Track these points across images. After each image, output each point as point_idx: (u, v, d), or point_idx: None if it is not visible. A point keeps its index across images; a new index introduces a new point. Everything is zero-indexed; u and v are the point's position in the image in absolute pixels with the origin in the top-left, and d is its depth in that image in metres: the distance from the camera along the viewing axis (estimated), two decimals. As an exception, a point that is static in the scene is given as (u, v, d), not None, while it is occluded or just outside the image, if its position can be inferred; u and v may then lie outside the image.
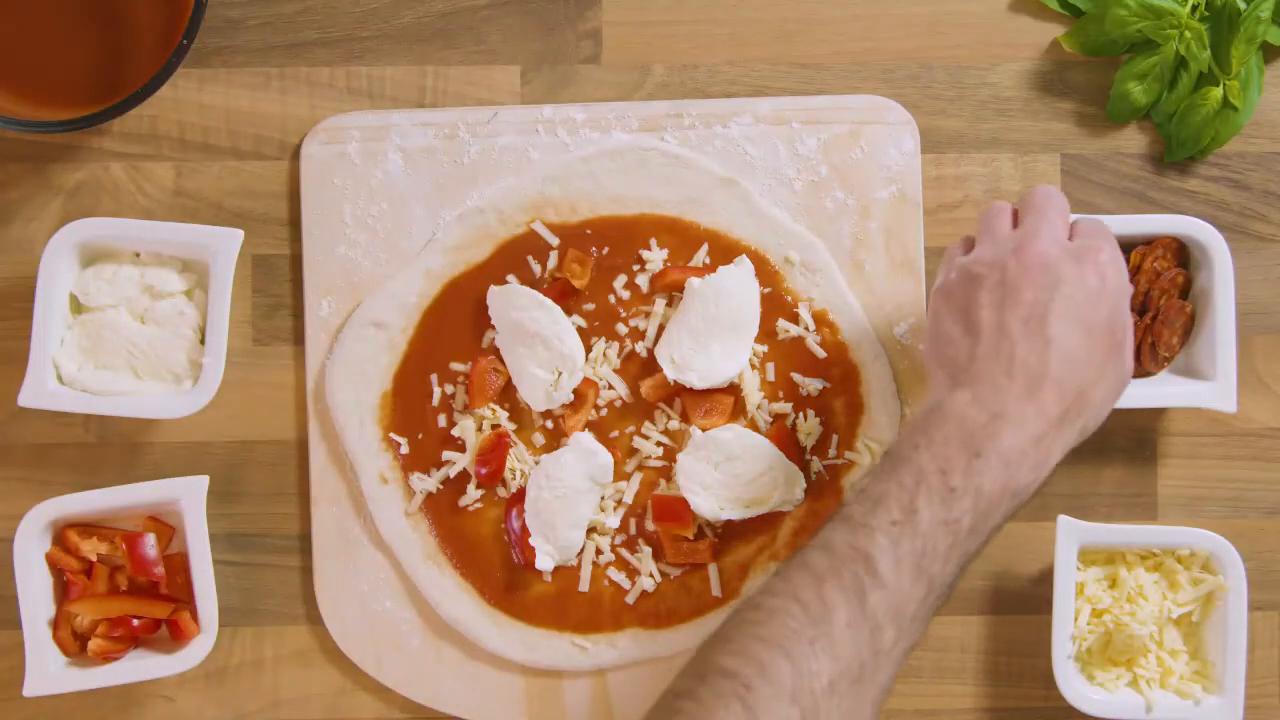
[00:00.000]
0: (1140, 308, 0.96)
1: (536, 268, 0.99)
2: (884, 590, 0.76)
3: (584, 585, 0.98)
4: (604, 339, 0.98)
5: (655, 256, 0.98)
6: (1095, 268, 0.82)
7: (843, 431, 0.98)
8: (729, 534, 0.98)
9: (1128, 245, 0.97)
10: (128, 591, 0.97)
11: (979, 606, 1.01)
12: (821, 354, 0.98)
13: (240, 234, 0.95)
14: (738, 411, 0.98)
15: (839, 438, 0.98)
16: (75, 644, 0.96)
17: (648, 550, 0.98)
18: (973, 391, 0.80)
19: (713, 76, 1.01)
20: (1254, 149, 1.01)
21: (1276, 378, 1.01)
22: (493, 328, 0.98)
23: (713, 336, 0.96)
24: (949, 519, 0.77)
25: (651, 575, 0.98)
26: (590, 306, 0.99)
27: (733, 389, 0.98)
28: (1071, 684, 0.95)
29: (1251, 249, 1.01)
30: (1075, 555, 0.95)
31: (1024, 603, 1.00)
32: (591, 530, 0.98)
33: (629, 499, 0.98)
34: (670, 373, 0.96)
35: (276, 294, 1.00)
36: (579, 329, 0.98)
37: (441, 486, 0.98)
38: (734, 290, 0.96)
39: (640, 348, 0.99)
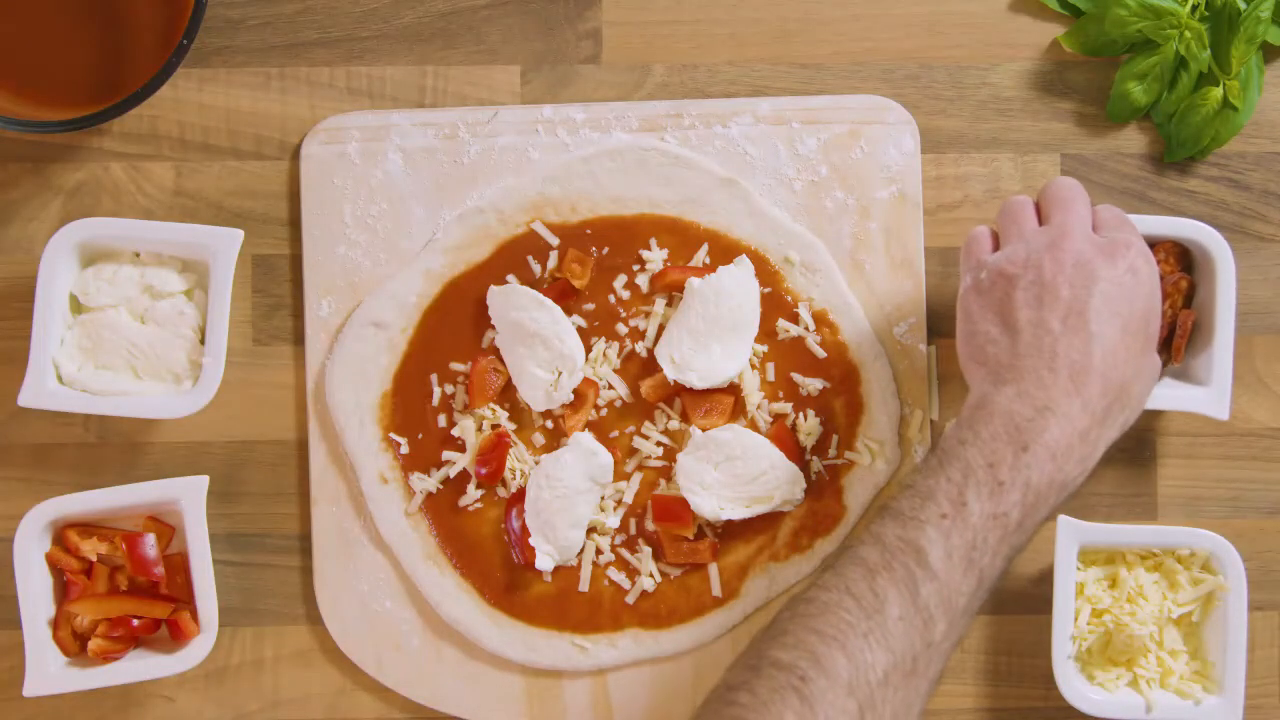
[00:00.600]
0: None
1: (536, 268, 0.99)
2: (936, 582, 0.76)
3: (584, 585, 0.98)
4: (604, 339, 0.98)
5: (655, 256, 0.98)
6: (1128, 262, 0.83)
7: (843, 431, 0.98)
8: (729, 534, 0.98)
9: None
10: (128, 591, 0.97)
11: (979, 606, 1.00)
12: (821, 354, 0.98)
13: (240, 234, 0.95)
14: (738, 411, 0.98)
15: (839, 438, 0.98)
16: (75, 644, 0.96)
17: (648, 550, 0.98)
18: (1017, 387, 0.81)
19: (713, 76, 1.01)
20: (1254, 149, 1.01)
21: (1276, 378, 1.01)
22: (493, 328, 0.98)
23: (713, 336, 0.96)
24: (998, 512, 0.78)
25: (651, 575, 0.98)
26: (590, 306, 0.99)
27: (733, 389, 0.98)
28: (1071, 684, 0.95)
29: (1251, 249, 1.01)
30: (1075, 555, 0.95)
31: (1024, 603, 1.00)
32: (591, 530, 0.98)
33: (629, 499, 0.98)
34: (670, 373, 0.96)
35: (276, 294, 1.00)
36: (579, 329, 0.98)
37: (441, 486, 0.98)
38: (734, 290, 0.96)
39: (640, 348, 0.99)
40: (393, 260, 0.99)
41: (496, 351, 0.98)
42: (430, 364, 0.98)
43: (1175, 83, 0.99)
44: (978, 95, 1.01)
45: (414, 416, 0.98)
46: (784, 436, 0.98)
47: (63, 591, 0.96)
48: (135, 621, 0.95)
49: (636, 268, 0.99)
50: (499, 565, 0.98)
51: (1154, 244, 0.97)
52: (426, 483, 0.98)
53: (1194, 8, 0.98)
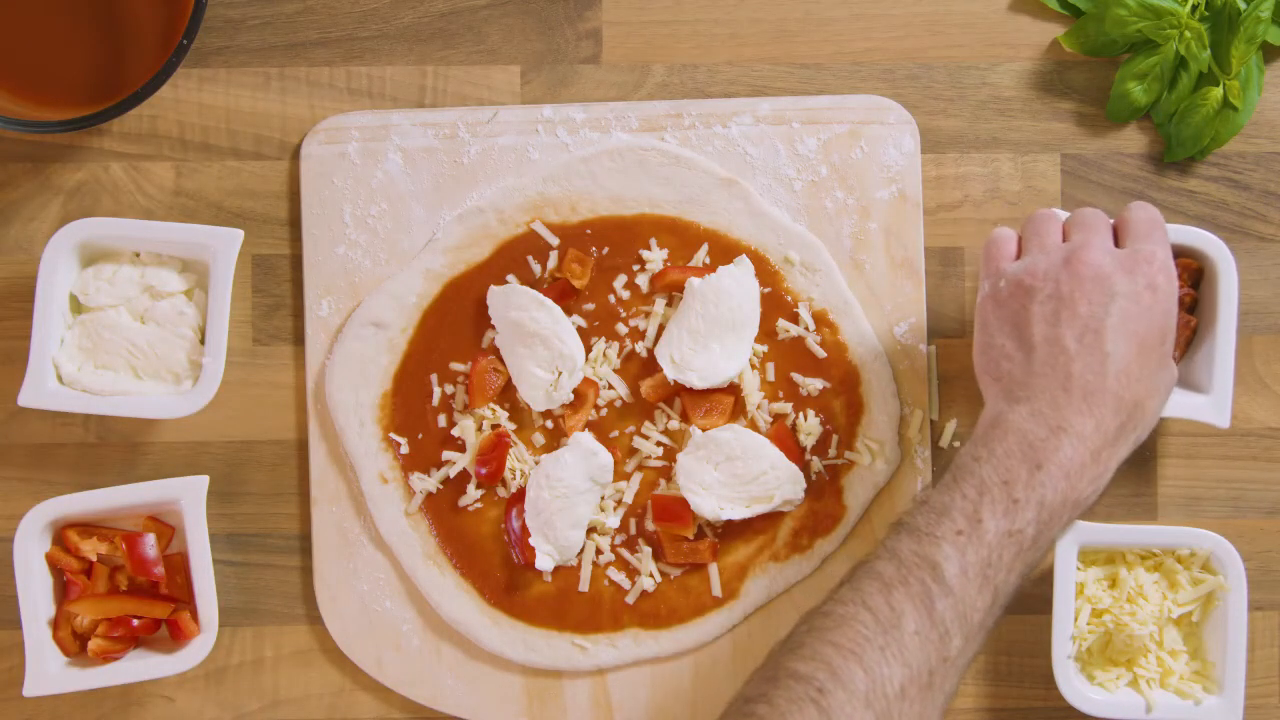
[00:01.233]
0: None
1: (536, 268, 0.99)
2: (951, 598, 0.77)
3: (584, 585, 0.98)
4: (604, 339, 0.98)
5: (655, 256, 0.98)
6: (1147, 278, 0.83)
7: (843, 431, 0.98)
8: (729, 534, 0.98)
9: None
10: (128, 591, 0.97)
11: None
12: (821, 354, 0.98)
13: (240, 234, 0.95)
14: (738, 411, 0.98)
15: (839, 438, 0.98)
16: (75, 644, 0.96)
17: (648, 550, 0.98)
18: (1031, 406, 0.81)
19: (713, 76, 1.01)
20: (1254, 149, 1.01)
21: (1276, 378, 1.01)
22: (493, 328, 0.98)
23: (713, 336, 0.96)
24: (1013, 529, 0.79)
25: (651, 575, 0.98)
26: (590, 306, 0.99)
27: (733, 389, 0.98)
28: (1071, 684, 0.95)
29: (1251, 249, 1.01)
30: (1075, 555, 0.95)
31: (1024, 603, 1.00)
32: (591, 530, 0.98)
33: (629, 499, 0.98)
34: (670, 373, 0.96)
35: (276, 294, 1.00)
36: (579, 329, 0.98)
37: (441, 486, 0.98)
38: (734, 290, 0.96)
39: (640, 348, 0.99)
40: (393, 260, 0.99)
41: (496, 351, 0.98)
42: (430, 364, 0.98)
43: (1175, 83, 0.99)
44: (978, 95, 1.01)
45: (414, 416, 0.98)
46: (784, 436, 0.98)
47: (63, 591, 0.96)
48: (135, 621, 0.95)
49: (636, 268, 0.99)
50: (499, 565, 0.98)
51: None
52: (426, 483, 0.98)
53: (1194, 8, 0.98)
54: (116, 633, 0.95)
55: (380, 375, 0.98)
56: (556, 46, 1.01)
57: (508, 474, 0.98)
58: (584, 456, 0.96)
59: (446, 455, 0.98)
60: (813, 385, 0.98)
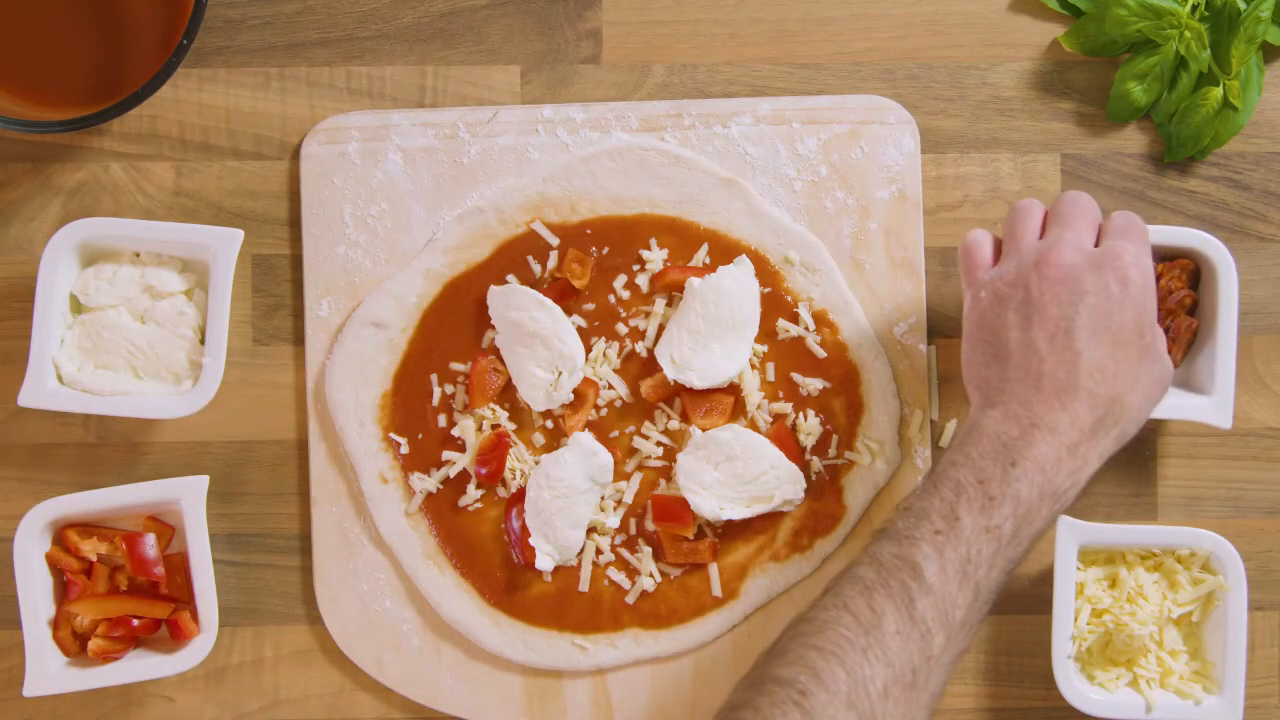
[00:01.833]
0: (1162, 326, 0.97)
1: (536, 268, 0.99)
2: (931, 596, 0.77)
3: (584, 585, 0.98)
4: (604, 339, 0.98)
5: (655, 256, 0.98)
6: (1116, 273, 0.83)
7: (843, 431, 0.98)
8: (729, 534, 0.98)
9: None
10: (128, 591, 0.97)
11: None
12: (821, 354, 0.98)
13: (240, 234, 0.95)
14: (738, 411, 0.98)
15: (839, 438, 0.98)
16: (75, 644, 0.96)
17: (648, 550, 0.98)
18: (1005, 408, 0.82)
19: (713, 76, 1.01)
20: (1254, 149, 1.01)
21: (1276, 378, 1.01)
22: (493, 328, 0.98)
23: (713, 336, 0.96)
24: (990, 525, 0.79)
25: (651, 575, 0.98)
26: (590, 306, 0.99)
27: (733, 389, 0.98)
28: (1071, 684, 0.95)
29: (1251, 249, 1.01)
30: (1075, 555, 0.95)
31: (1024, 603, 1.00)
32: (591, 530, 0.98)
33: (629, 499, 0.98)
34: (670, 373, 0.96)
35: (276, 294, 1.00)
36: (579, 329, 0.98)
37: (441, 486, 0.98)
38: (734, 290, 0.96)
39: (640, 348, 0.99)
40: (393, 260, 0.99)
41: (496, 351, 0.98)
42: (430, 364, 0.98)
43: (1175, 83, 0.99)
44: (978, 95, 1.01)
45: (414, 416, 0.98)
46: (784, 436, 0.98)
47: (63, 591, 0.96)
48: (135, 621, 0.95)
49: (636, 268, 0.99)
50: (499, 565, 0.98)
51: (1173, 258, 0.97)
52: (426, 483, 0.98)
53: (1194, 8, 0.98)
54: (116, 633, 0.95)
55: (380, 375, 0.98)
56: (556, 46, 1.01)
57: (508, 474, 0.98)
58: (584, 456, 0.96)
59: (446, 455, 0.98)
60: (813, 385, 0.98)
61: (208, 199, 1.00)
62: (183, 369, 0.96)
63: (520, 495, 0.97)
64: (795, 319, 0.98)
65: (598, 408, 0.98)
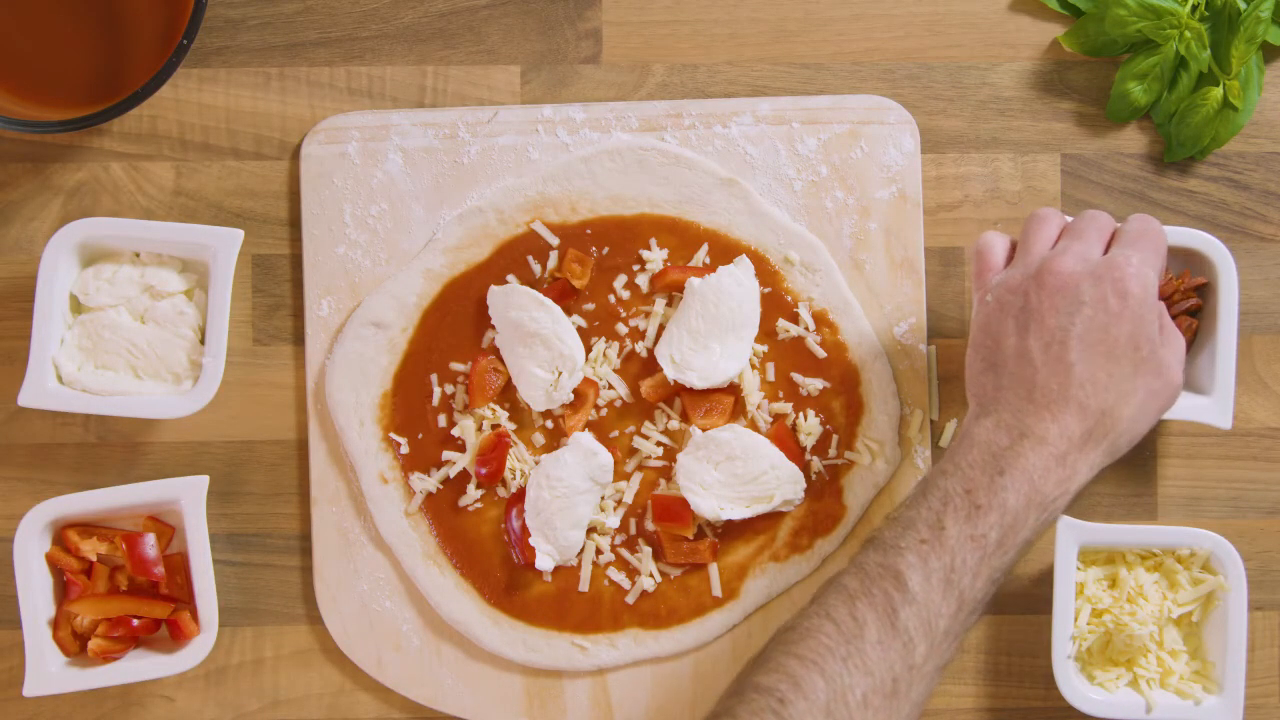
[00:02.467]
0: None
1: (536, 268, 0.99)
2: (914, 605, 0.78)
3: (584, 585, 0.98)
4: (604, 339, 0.99)
5: (655, 256, 0.98)
6: (1115, 285, 0.82)
7: (843, 431, 0.98)
8: (729, 534, 0.98)
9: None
10: (128, 591, 0.97)
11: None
12: (821, 354, 0.98)
13: (240, 234, 0.95)
14: (738, 411, 0.98)
15: (839, 438, 0.98)
16: (75, 644, 0.96)
17: (648, 550, 0.98)
18: (996, 417, 0.82)
19: (713, 76, 1.01)
20: (1254, 149, 1.01)
21: (1276, 378, 1.01)
22: (493, 328, 0.98)
23: (713, 336, 0.96)
24: (975, 534, 0.79)
25: (651, 575, 0.98)
26: (590, 306, 0.99)
27: (733, 389, 0.98)
28: (1071, 684, 0.95)
29: (1251, 249, 1.01)
30: (1075, 555, 0.95)
31: (1024, 603, 1.00)
32: (591, 530, 0.98)
33: (629, 499, 0.98)
34: (670, 373, 0.96)
35: (276, 294, 1.00)
36: (579, 329, 0.98)
37: (441, 486, 0.98)
38: (734, 290, 0.96)
39: (640, 348, 0.99)
40: (393, 260, 0.99)
41: (496, 351, 0.98)
42: (430, 364, 0.98)
43: (1175, 83, 0.99)
44: (978, 95, 1.01)
45: (414, 416, 0.98)
46: (784, 436, 0.98)
47: (63, 591, 0.97)
48: (135, 621, 0.95)
49: (636, 268, 0.99)
50: (499, 565, 0.98)
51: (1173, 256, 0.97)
52: (426, 483, 0.98)
53: (1194, 8, 0.98)
54: (116, 633, 0.95)
55: (380, 375, 0.98)
56: (556, 46, 1.01)
57: (508, 474, 0.98)
58: (584, 456, 0.96)
59: (446, 455, 0.98)
60: (813, 385, 0.98)
61: (208, 199, 1.00)
62: (183, 369, 0.96)
63: (520, 495, 0.97)
64: (795, 319, 0.98)
65: (598, 408, 0.98)
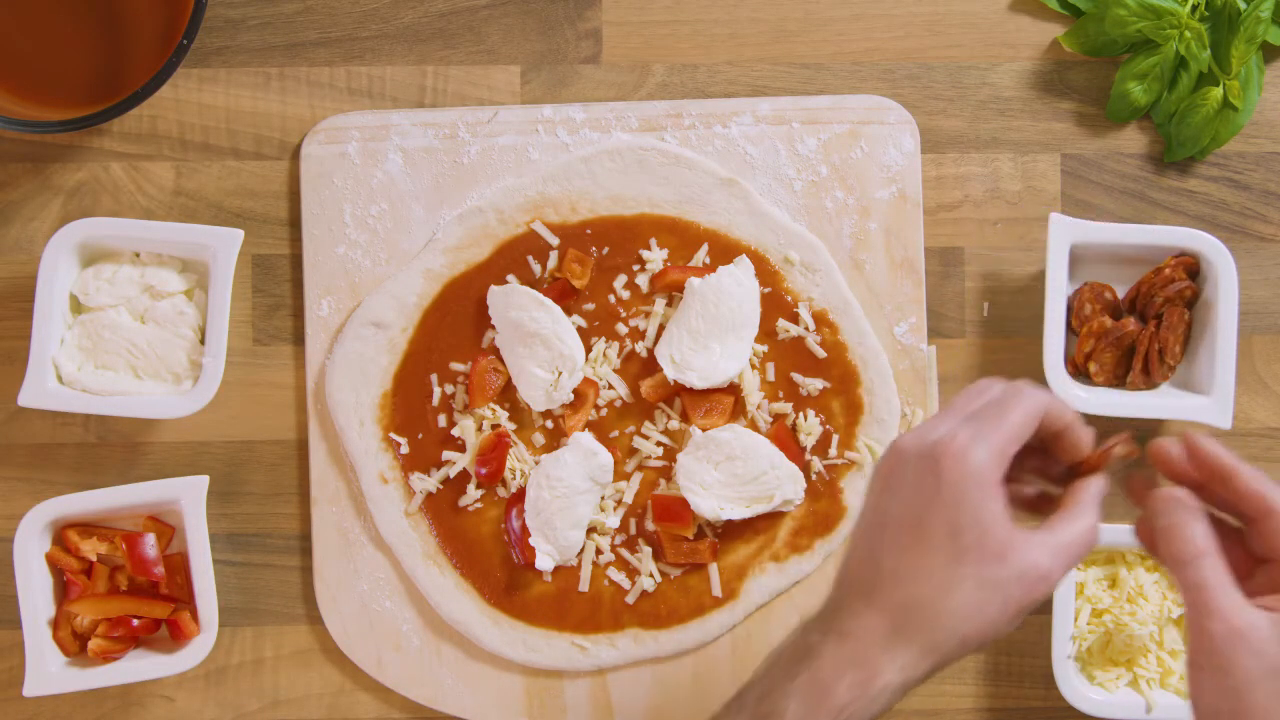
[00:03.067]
0: (1155, 314, 0.97)
1: (536, 268, 0.99)
2: None
3: (584, 585, 0.98)
4: (604, 339, 0.99)
5: (655, 256, 0.98)
6: (934, 466, 0.72)
7: (843, 431, 0.98)
8: (729, 534, 0.98)
9: (1141, 256, 0.97)
10: (128, 591, 0.97)
11: None
12: (821, 354, 0.98)
13: (240, 234, 0.95)
14: (738, 411, 0.98)
15: (839, 438, 0.98)
16: (75, 644, 0.96)
17: (648, 550, 0.98)
18: (823, 609, 0.76)
19: (713, 76, 1.01)
20: (1254, 149, 1.01)
21: (1276, 378, 1.01)
22: (493, 328, 0.98)
23: (713, 336, 0.96)
24: None
25: (651, 575, 0.98)
26: (590, 306, 0.99)
27: (733, 389, 0.98)
28: (1071, 684, 0.95)
29: (1251, 249, 1.01)
30: (1075, 555, 0.95)
31: (1024, 603, 1.00)
32: (591, 530, 0.98)
33: (629, 499, 0.98)
34: (670, 373, 0.96)
35: (276, 294, 1.00)
36: (579, 329, 0.98)
37: (441, 486, 0.98)
38: (734, 290, 0.96)
39: (640, 348, 0.99)
40: (393, 260, 0.99)
41: (496, 351, 0.98)
42: (430, 364, 0.98)
43: (1175, 83, 0.99)
44: (978, 95, 1.01)
45: (414, 416, 0.98)
46: (784, 436, 0.98)
47: (63, 591, 0.97)
48: (135, 621, 0.95)
49: (636, 268, 0.99)
50: (499, 565, 0.98)
51: (1181, 254, 0.97)
52: (426, 483, 0.98)
53: (1194, 8, 0.98)
54: (116, 633, 0.95)
55: (380, 375, 0.98)
56: (556, 46, 1.01)
57: (508, 474, 0.98)
58: (584, 456, 0.96)
59: (446, 455, 0.98)
60: (813, 385, 0.98)
61: (208, 199, 1.00)
62: (183, 369, 0.96)
63: (520, 495, 0.97)
64: (795, 319, 0.98)
65: (598, 408, 0.98)
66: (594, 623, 0.98)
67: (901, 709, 1.00)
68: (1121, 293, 0.99)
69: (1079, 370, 0.98)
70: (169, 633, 0.97)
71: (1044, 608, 0.96)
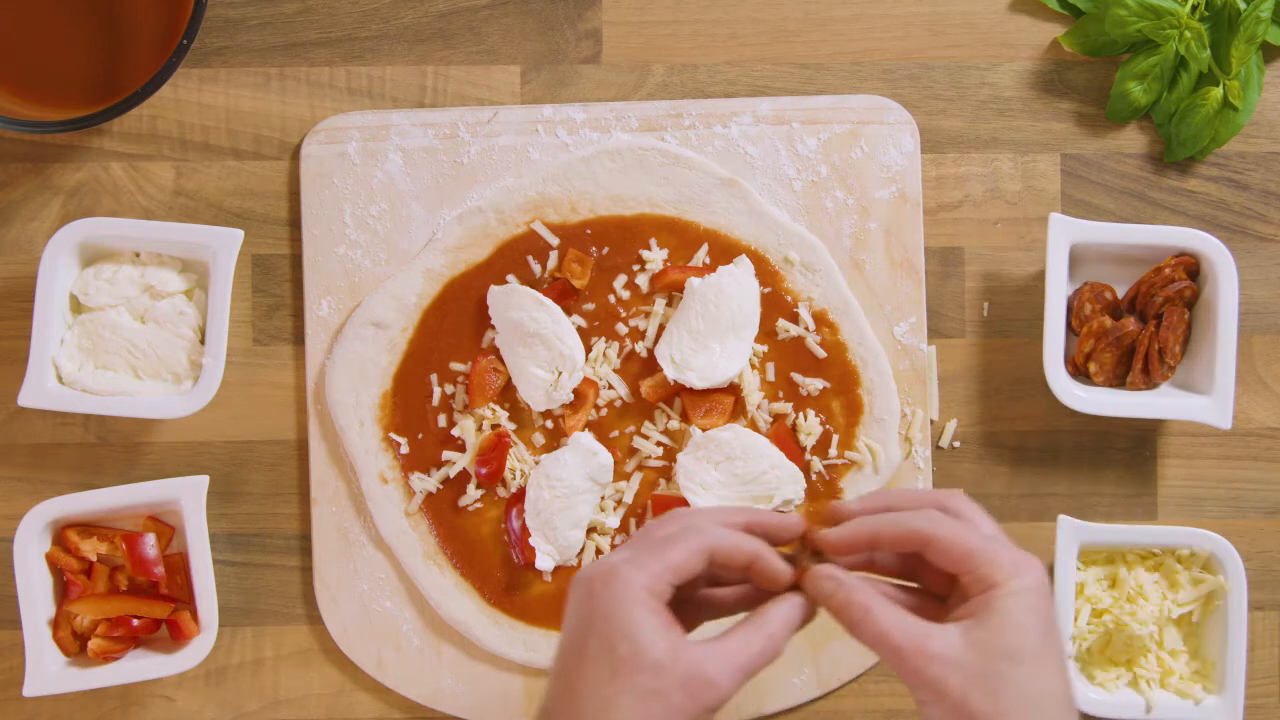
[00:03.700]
0: (1155, 314, 0.97)
1: (536, 268, 0.99)
2: None
3: (584, 585, 0.98)
4: (604, 339, 0.99)
5: (655, 256, 0.98)
6: (590, 588, 0.72)
7: (843, 431, 0.98)
8: (729, 534, 0.98)
9: (1141, 256, 0.97)
10: (128, 591, 0.97)
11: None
12: (821, 354, 0.98)
13: (240, 234, 0.95)
14: (738, 411, 0.98)
15: (839, 438, 0.98)
16: (75, 644, 0.96)
17: (648, 550, 0.98)
18: None
19: (713, 76, 1.01)
20: (1254, 149, 1.01)
21: (1276, 378, 1.01)
22: (493, 328, 0.98)
23: (713, 336, 0.96)
24: None
25: (651, 575, 0.98)
26: (590, 306, 0.99)
27: (733, 389, 0.98)
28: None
29: (1251, 249, 1.01)
30: (1075, 555, 0.95)
31: (1024, 603, 1.00)
32: (591, 530, 0.98)
33: (629, 499, 0.98)
34: (670, 373, 0.96)
35: (276, 294, 1.00)
36: (579, 329, 0.98)
37: (441, 486, 0.98)
38: (734, 290, 0.96)
39: (640, 348, 0.99)
40: (393, 260, 0.99)
41: (496, 351, 0.98)
42: (430, 364, 0.98)
43: (1175, 83, 0.99)
44: (978, 95, 1.01)
45: (414, 416, 0.98)
46: (784, 436, 0.98)
47: (63, 591, 0.96)
48: (135, 621, 0.95)
49: (636, 268, 0.99)
50: (499, 565, 0.98)
51: (1181, 254, 0.97)
52: (426, 483, 0.98)
53: (1194, 8, 0.98)
54: (116, 633, 0.95)
55: (380, 375, 0.98)
56: (556, 46, 1.01)
57: (508, 474, 0.98)
58: (584, 456, 0.96)
59: (446, 455, 0.98)
60: (813, 385, 0.98)
61: (208, 199, 1.00)
62: (183, 369, 0.96)
63: (520, 495, 0.97)
64: (795, 319, 0.98)
65: (598, 408, 0.98)
66: (594, 623, 0.98)
67: (901, 709, 1.00)
68: (1121, 293, 0.99)
69: (1079, 370, 0.98)
70: (169, 633, 0.97)
71: (1044, 608, 0.96)
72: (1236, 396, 0.98)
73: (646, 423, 0.99)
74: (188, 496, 0.95)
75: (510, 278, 0.98)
